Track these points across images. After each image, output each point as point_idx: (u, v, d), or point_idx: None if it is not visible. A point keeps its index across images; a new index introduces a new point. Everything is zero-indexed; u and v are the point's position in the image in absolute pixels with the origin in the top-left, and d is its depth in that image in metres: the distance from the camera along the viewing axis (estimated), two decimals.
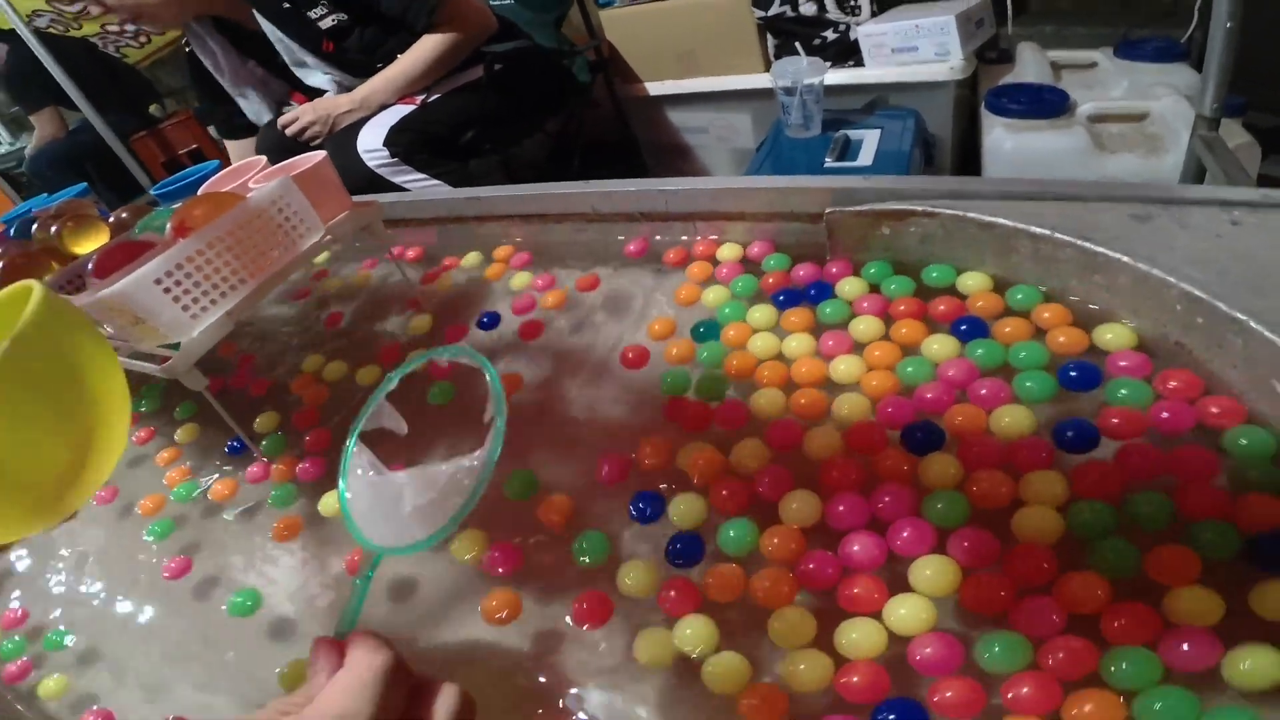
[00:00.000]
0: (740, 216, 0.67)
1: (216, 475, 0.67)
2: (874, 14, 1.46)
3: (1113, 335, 0.45)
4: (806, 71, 1.23)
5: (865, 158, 1.23)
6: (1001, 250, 0.52)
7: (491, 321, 0.69)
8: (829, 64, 1.41)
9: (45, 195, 1.13)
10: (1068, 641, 0.32)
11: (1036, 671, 0.32)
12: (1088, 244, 0.46)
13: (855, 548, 0.39)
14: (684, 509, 0.45)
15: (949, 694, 0.32)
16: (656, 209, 0.72)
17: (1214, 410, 0.39)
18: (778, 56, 1.52)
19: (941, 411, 0.45)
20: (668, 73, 1.69)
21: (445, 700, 0.30)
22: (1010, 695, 0.32)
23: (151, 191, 0.85)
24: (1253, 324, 0.38)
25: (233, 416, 0.63)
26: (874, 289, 0.56)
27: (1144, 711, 0.29)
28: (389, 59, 1.29)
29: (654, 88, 1.73)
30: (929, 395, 0.46)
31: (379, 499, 0.37)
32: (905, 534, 0.38)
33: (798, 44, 1.48)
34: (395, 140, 1.22)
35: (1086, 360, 0.45)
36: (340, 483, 0.37)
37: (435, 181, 1.25)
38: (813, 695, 0.35)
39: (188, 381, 0.56)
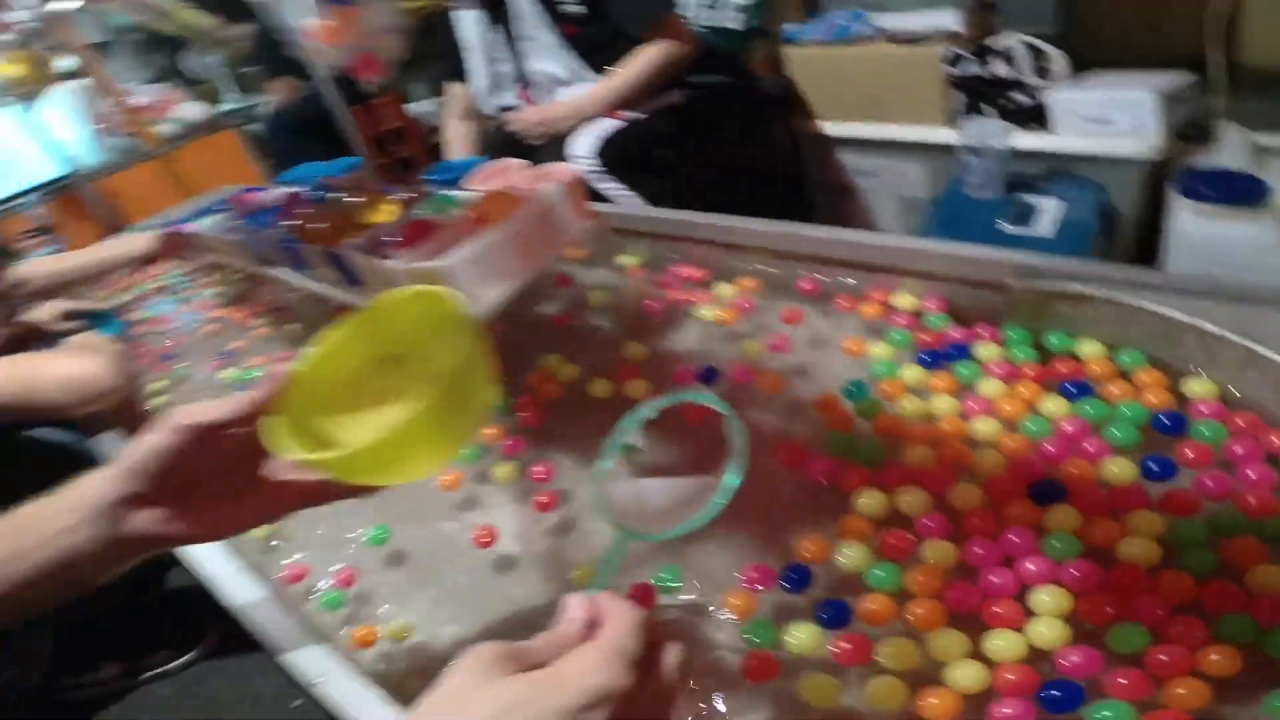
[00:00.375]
0: (929, 276, 0.76)
1: None
2: (1069, 79, 1.49)
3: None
4: (994, 134, 1.29)
5: (1044, 226, 1.27)
6: (1171, 340, 0.59)
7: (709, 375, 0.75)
8: (1015, 127, 1.45)
9: (318, 164, 1.36)
10: (1173, 626, 0.42)
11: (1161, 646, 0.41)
12: (1255, 346, 0.53)
13: (993, 579, 0.48)
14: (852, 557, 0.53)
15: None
16: (858, 259, 0.81)
17: None
18: (965, 114, 1.57)
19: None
20: (846, 114, 1.77)
21: (671, 655, 0.38)
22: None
23: (425, 178, 1.03)
24: None
25: None
26: (1043, 356, 0.64)
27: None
28: (613, 60, 1.44)
29: (830, 127, 1.82)
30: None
31: (630, 492, 0.47)
32: (1030, 567, 0.47)
33: (984, 104, 1.52)
34: (604, 151, 1.39)
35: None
36: (605, 467, 0.47)
37: (631, 192, 1.40)
38: (976, 696, 0.44)
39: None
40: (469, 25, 1.57)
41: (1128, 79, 1.38)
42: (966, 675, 0.44)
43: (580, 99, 1.46)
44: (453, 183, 0.95)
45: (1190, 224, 1.18)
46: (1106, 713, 0.39)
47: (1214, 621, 0.42)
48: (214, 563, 0.69)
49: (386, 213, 0.90)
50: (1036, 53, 1.50)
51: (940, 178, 1.66)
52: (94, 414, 0.95)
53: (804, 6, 1.96)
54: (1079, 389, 0.58)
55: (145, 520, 0.46)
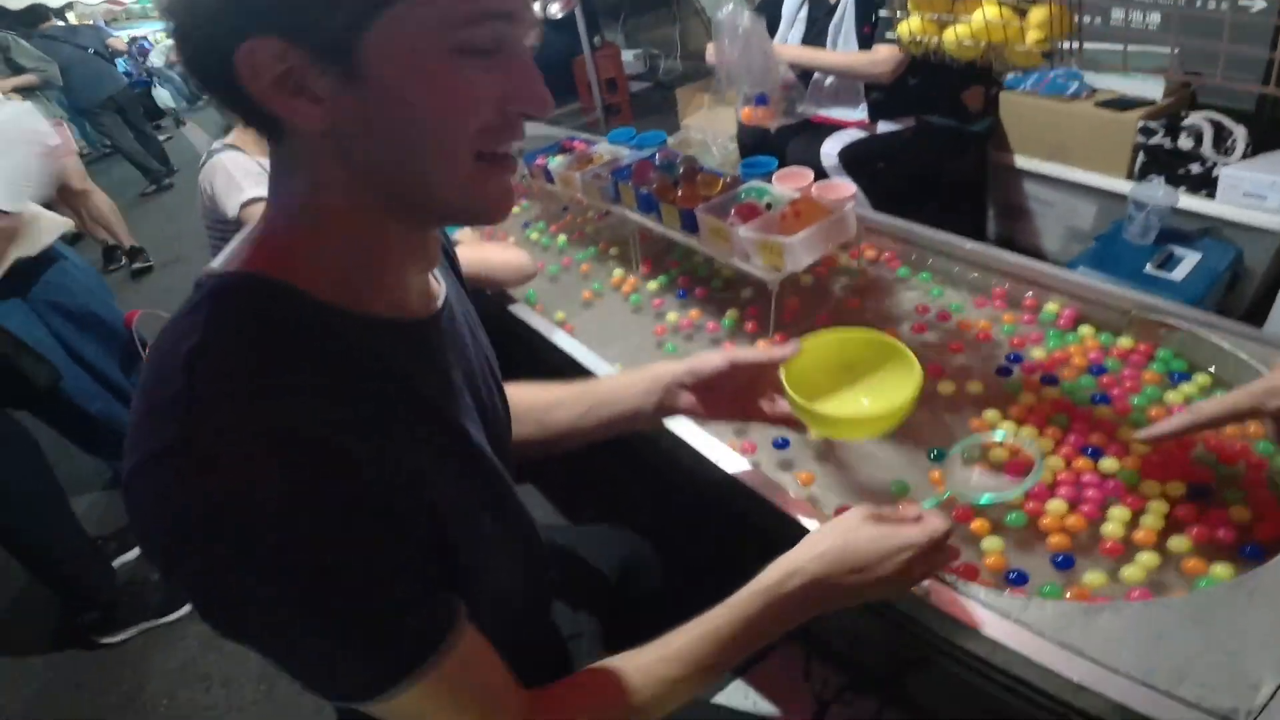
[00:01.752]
0: (1078, 297, 1.16)
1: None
2: (1245, 156, 1.77)
3: None
4: (1162, 199, 1.62)
5: (1180, 273, 1.61)
6: (1217, 361, 0.98)
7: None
8: (1183, 189, 1.76)
9: (633, 130, 1.84)
10: None
11: None
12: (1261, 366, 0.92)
13: None
14: None
15: None
16: (1026, 277, 1.22)
17: None
18: (1142, 171, 1.88)
19: None
20: (1040, 154, 2.11)
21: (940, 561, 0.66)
22: None
23: (740, 169, 1.50)
24: None
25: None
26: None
27: None
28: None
29: (1022, 161, 2.15)
30: None
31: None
32: None
33: (1162, 169, 1.83)
34: (845, 153, 1.84)
35: None
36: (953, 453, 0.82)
37: (856, 187, 1.83)
38: None
39: (773, 286, 1.19)
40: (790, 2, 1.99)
41: None
42: None
43: (790, 48, 1.89)
44: (764, 177, 1.41)
45: None
46: None
47: None
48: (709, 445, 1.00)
49: (713, 188, 1.38)
50: (1220, 129, 1.79)
51: (1105, 218, 1.98)
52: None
53: None
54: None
55: (684, 400, 0.78)
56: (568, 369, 1.24)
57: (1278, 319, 1.51)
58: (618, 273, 1.53)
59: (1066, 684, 0.64)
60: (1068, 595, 0.75)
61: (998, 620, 0.69)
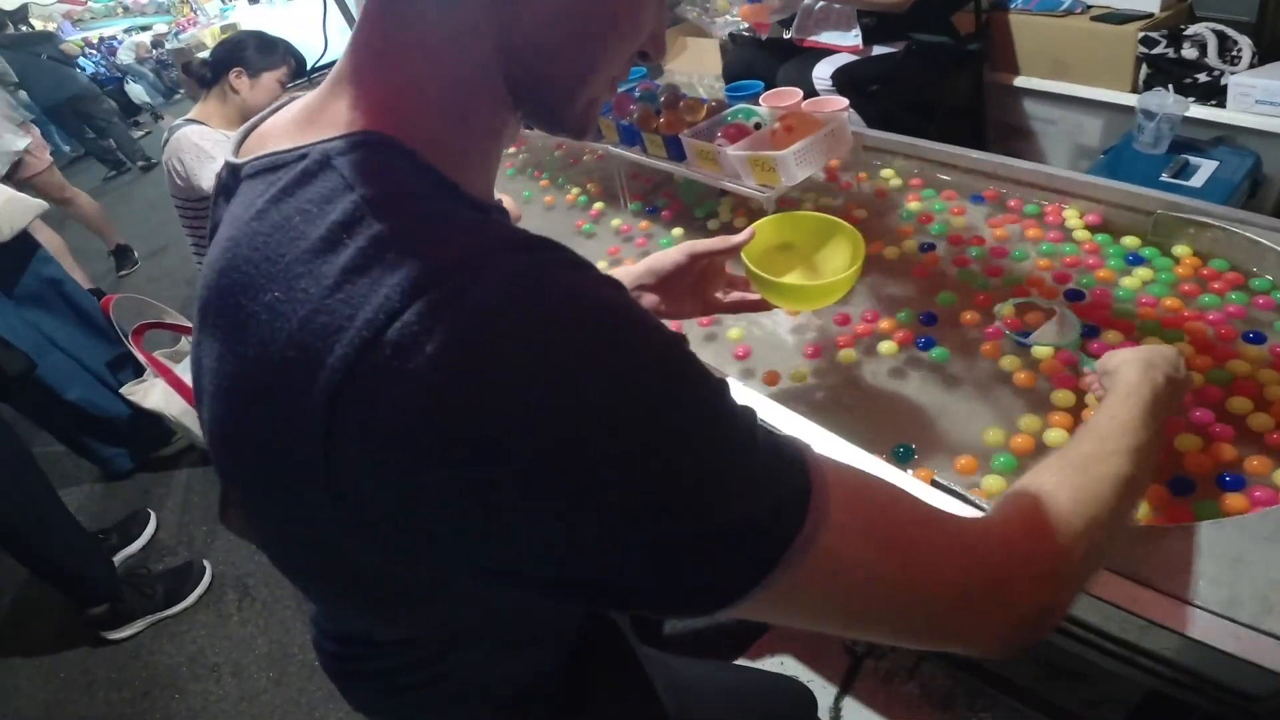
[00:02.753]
0: (1096, 200, 1.08)
1: None
2: (1252, 65, 1.68)
3: None
4: (1171, 106, 1.53)
5: (1197, 181, 1.52)
6: (1261, 259, 0.91)
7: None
8: (1192, 99, 1.67)
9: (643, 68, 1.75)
10: None
11: None
12: None
13: None
14: None
15: None
16: (1039, 183, 1.14)
17: None
18: (1147, 84, 1.78)
19: None
20: (1040, 72, 2.01)
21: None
22: None
23: (725, 92, 1.41)
24: None
25: None
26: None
27: None
28: None
29: (1021, 81, 2.05)
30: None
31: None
32: None
33: (1169, 80, 1.74)
34: (837, 75, 1.76)
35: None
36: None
37: (851, 110, 1.75)
38: None
39: (768, 204, 1.11)
40: None
41: None
42: None
43: None
44: (750, 99, 1.33)
45: None
46: None
47: None
48: None
49: (698, 114, 1.29)
50: (1224, 39, 1.70)
51: (1113, 133, 1.89)
52: None
53: None
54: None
55: (646, 301, 0.78)
56: None
57: None
58: (602, 208, 1.45)
59: (1131, 621, 0.56)
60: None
61: None
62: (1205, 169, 1.52)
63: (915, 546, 0.38)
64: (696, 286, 0.83)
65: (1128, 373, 0.59)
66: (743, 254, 0.81)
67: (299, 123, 0.43)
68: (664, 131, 1.24)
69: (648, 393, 0.33)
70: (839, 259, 0.87)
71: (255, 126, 0.47)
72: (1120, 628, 0.58)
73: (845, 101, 1.19)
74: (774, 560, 0.34)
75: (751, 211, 1.27)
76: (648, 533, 0.33)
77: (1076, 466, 0.49)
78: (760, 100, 1.30)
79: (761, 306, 0.86)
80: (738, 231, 0.82)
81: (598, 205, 1.45)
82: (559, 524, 0.32)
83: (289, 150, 0.40)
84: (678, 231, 1.30)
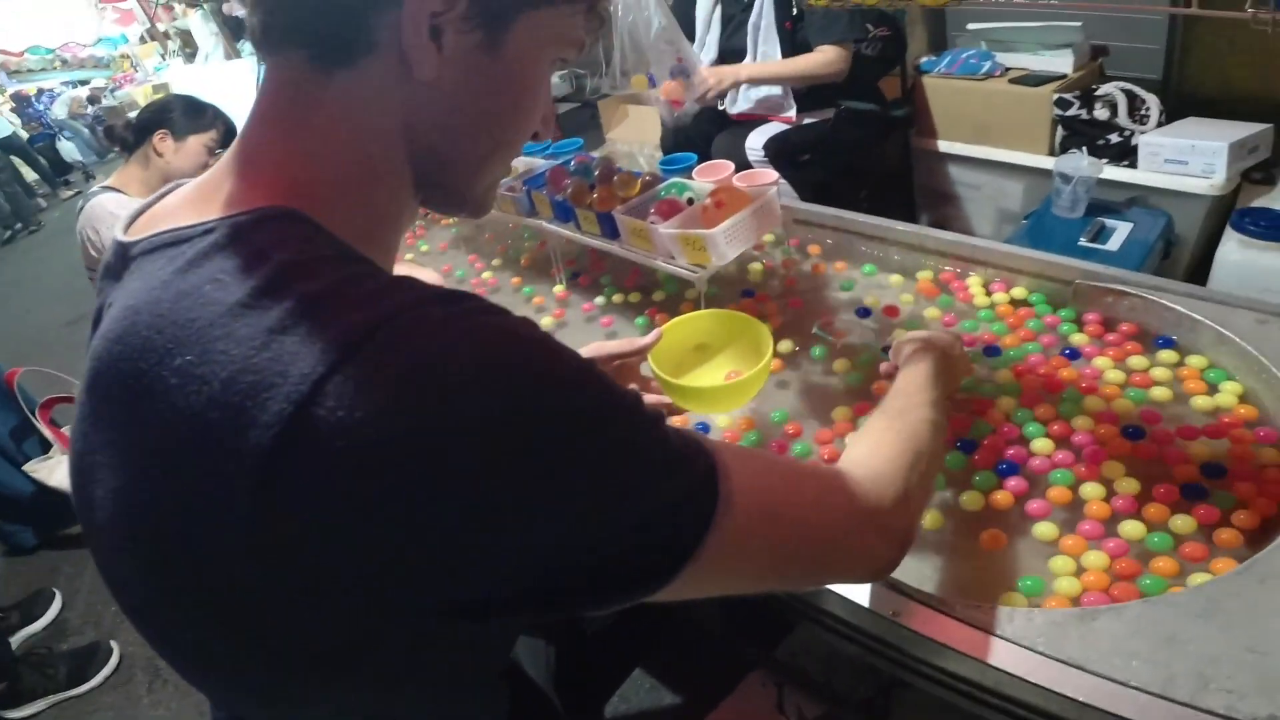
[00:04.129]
0: (1017, 270, 1.10)
1: None
2: (1160, 124, 1.77)
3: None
4: (1086, 169, 1.60)
5: (1114, 243, 1.58)
6: (1176, 325, 0.93)
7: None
8: (1105, 161, 1.75)
9: (549, 141, 1.73)
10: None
11: None
12: (1225, 331, 0.87)
13: None
14: None
15: None
16: (964, 255, 1.16)
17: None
18: (1063, 146, 1.87)
19: None
20: (962, 136, 2.09)
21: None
22: None
23: (660, 166, 1.41)
24: None
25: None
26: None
27: None
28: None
29: (945, 145, 2.13)
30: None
31: None
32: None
33: (1082, 141, 1.82)
34: (769, 145, 1.79)
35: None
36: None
37: (784, 181, 1.78)
38: None
39: (700, 284, 1.10)
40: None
41: (1209, 128, 1.66)
42: None
43: (743, 67, 1.82)
44: (684, 172, 1.33)
45: (1235, 253, 1.47)
46: None
47: None
48: None
49: (632, 189, 1.29)
50: (1134, 99, 1.79)
51: (1034, 196, 1.96)
52: None
53: (932, 45, 2.29)
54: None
55: None
56: None
57: (1219, 277, 1.49)
58: (533, 291, 1.43)
59: (1071, 703, 0.55)
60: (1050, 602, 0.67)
61: (981, 637, 0.61)
62: (1120, 231, 1.58)
63: (803, 503, 0.46)
64: None
65: (910, 347, 0.75)
66: (650, 357, 0.80)
67: (196, 201, 0.43)
68: (597, 208, 1.24)
69: (579, 414, 0.36)
70: (752, 358, 0.86)
71: (144, 209, 0.47)
72: (1059, 708, 0.57)
73: (775, 175, 1.20)
74: (700, 536, 0.39)
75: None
76: (591, 535, 0.37)
77: (894, 414, 0.63)
78: (694, 174, 1.31)
79: (675, 410, 0.86)
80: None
81: (528, 291, 1.43)
82: (509, 545, 0.35)
83: (191, 226, 0.40)
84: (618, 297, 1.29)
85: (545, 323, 1.32)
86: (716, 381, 0.88)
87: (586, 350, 0.79)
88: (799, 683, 1.19)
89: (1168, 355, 0.92)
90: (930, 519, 0.78)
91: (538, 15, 0.44)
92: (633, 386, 0.81)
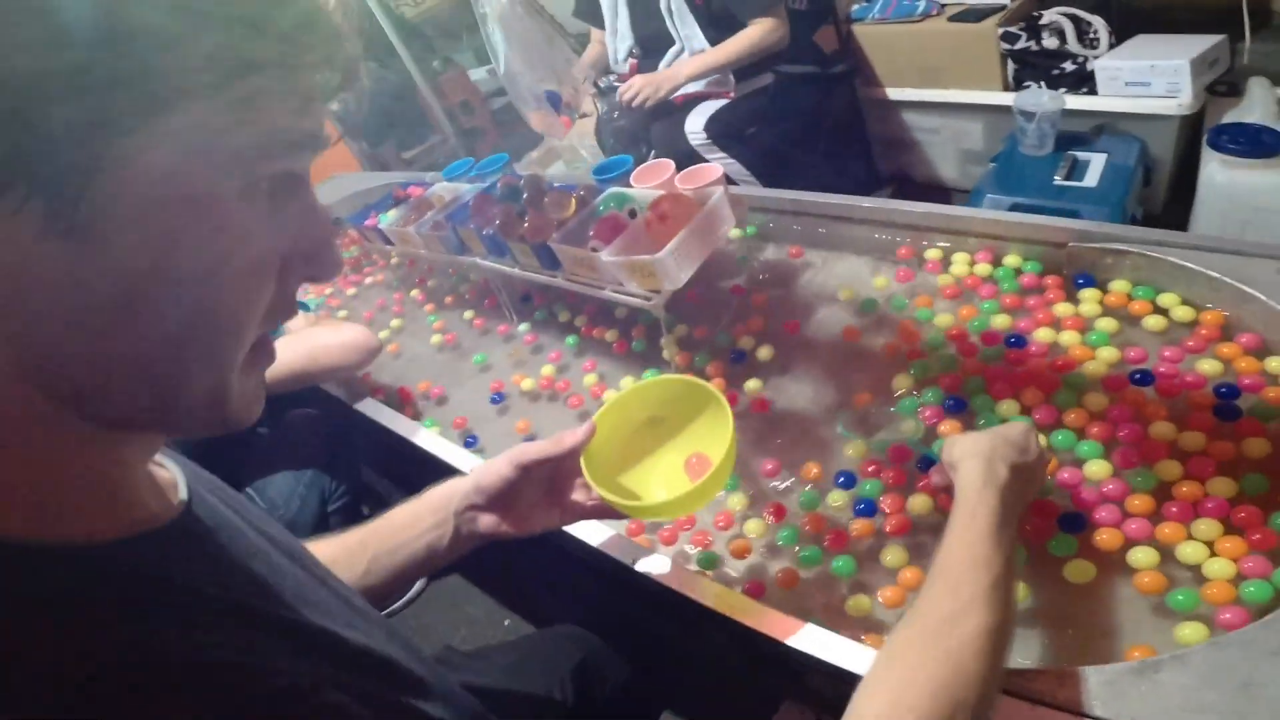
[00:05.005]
0: (1000, 237, 1.00)
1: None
2: (1111, 46, 1.66)
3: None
4: (1047, 104, 1.49)
5: (1091, 178, 1.48)
6: (1186, 282, 0.83)
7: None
8: (1064, 90, 1.64)
9: (471, 159, 1.59)
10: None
11: None
12: (1240, 284, 0.77)
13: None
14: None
15: None
16: (939, 226, 1.05)
17: None
18: (1017, 80, 1.75)
19: None
20: (910, 82, 1.97)
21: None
22: None
23: (593, 176, 1.28)
24: None
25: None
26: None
27: None
28: (725, 34, 1.67)
29: (894, 93, 2.01)
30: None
31: None
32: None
33: (1036, 74, 1.71)
34: (710, 126, 1.65)
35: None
36: None
37: (732, 160, 1.66)
38: None
39: (656, 312, 0.98)
40: None
41: (1163, 45, 1.56)
42: None
43: (681, 67, 1.70)
44: (620, 179, 1.20)
45: (1219, 174, 1.37)
46: None
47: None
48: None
49: (568, 209, 1.16)
50: (1080, 23, 1.68)
51: (997, 133, 1.86)
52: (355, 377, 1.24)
53: None
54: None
55: (484, 523, 0.64)
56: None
57: (1207, 201, 1.40)
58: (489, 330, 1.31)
59: None
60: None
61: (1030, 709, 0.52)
62: (1095, 164, 1.48)
63: None
64: (551, 494, 0.67)
65: (969, 475, 0.56)
66: (584, 460, 0.64)
67: None
68: (530, 239, 1.11)
69: None
70: (712, 431, 0.69)
71: None
72: None
73: (719, 171, 1.08)
74: None
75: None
76: None
77: (933, 634, 0.47)
78: (632, 179, 1.19)
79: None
80: None
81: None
82: None
83: None
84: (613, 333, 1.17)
85: (514, 354, 1.21)
86: (677, 466, 0.71)
87: (505, 456, 0.63)
88: (833, 710, 1.11)
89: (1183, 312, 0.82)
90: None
91: (133, 157, 0.26)
92: (576, 498, 0.67)
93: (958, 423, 0.81)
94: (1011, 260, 0.98)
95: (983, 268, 0.99)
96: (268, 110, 0.29)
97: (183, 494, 0.39)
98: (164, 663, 0.28)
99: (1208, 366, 0.76)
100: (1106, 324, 0.85)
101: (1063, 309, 0.89)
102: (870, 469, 0.82)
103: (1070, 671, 0.53)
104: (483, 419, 1.16)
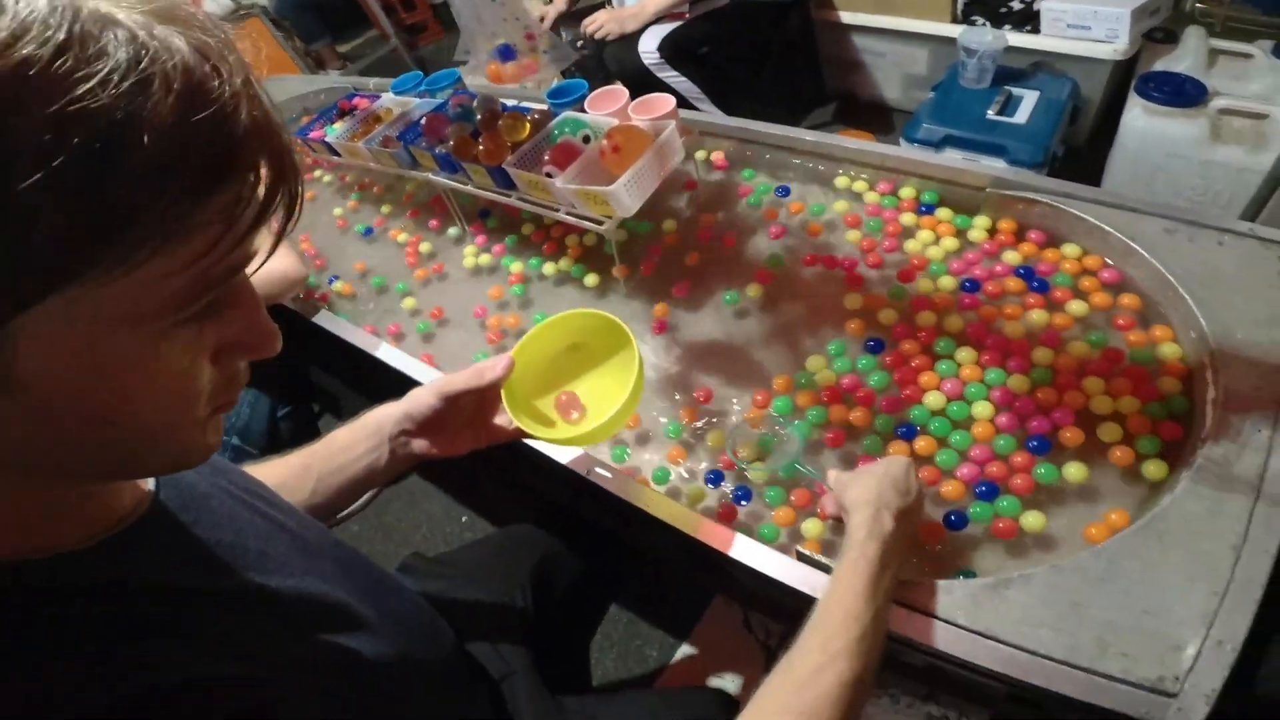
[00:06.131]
0: (927, 176, 1.07)
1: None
2: None
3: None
4: (991, 42, 1.54)
5: (1022, 115, 1.56)
6: (1084, 233, 0.92)
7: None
8: (1008, 28, 1.69)
9: (420, 73, 1.56)
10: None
11: None
12: (1129, 241, 0.86)
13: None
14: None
15: None
16: (871, 162, 1.12)
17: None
18: (965, 13, 1.79)
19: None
20: (862, 7, 1.99)
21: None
22: None
23: (548, 99, 1.29)
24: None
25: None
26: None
27: None
28: None
29: (847, 16, 2.03)
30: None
31: None
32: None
33: (987, 13, 1.75)
34: (664, 46, 1.67)
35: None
36: None
37: (685, 79, 1.68)
38: None
39: (608, 235, 1.04)
40: None
41: None
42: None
43: (648, 3, 1.69)
44: (574, 104, 1.22)
45: (1140, 119, 1.46)
46: None
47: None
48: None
49: (522, 132, 1.18)
50: None
51: (941, 60, 1.91)
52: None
53: None
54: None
55: (416, 446, 0.70)
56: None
57: (1125, 144, 1.49)
58: (460, 232, 1.34)
59: (987, 673, 0.59)
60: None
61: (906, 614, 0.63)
62: (1028, 101, 1.56)
63: None
64: (476, 418, 0.73)
65: (856, 525, 0.61)
66: (504, 391, 0.71)
67: None
68: (485, 161, 1.13)
69: None
70: (621, 363, 0.77)
71: None
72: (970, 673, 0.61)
73: (671, 103, 1.11)
74: None
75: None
76: None
77: (799, 686, 0.51)
78: (586, 104, 1.21)
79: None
80: None
81: (454, 232, 1.35)
82: None
83: None
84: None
85: (483, 260, 1.29)
86: (594, 394, 0.79)
87: (429, 386, 0.70)
88: (758, 603, 1.25)
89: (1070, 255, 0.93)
90: None
91: (43, 321, 0.28)
92: (499, 422, 0.74)
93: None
94: (928, 197, 1.07)
95: (892, 200, 1.09)
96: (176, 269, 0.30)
97: (150, 483, 0.44)
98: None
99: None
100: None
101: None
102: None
103: (941, 585, 0.64)
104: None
